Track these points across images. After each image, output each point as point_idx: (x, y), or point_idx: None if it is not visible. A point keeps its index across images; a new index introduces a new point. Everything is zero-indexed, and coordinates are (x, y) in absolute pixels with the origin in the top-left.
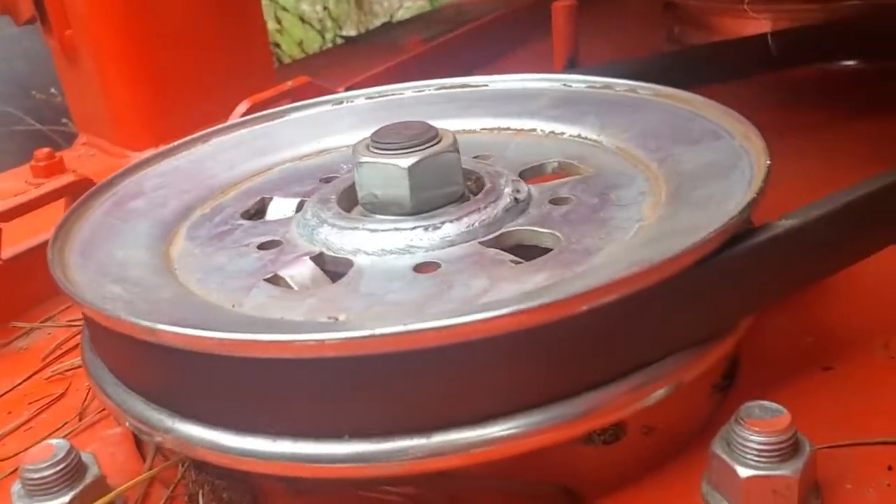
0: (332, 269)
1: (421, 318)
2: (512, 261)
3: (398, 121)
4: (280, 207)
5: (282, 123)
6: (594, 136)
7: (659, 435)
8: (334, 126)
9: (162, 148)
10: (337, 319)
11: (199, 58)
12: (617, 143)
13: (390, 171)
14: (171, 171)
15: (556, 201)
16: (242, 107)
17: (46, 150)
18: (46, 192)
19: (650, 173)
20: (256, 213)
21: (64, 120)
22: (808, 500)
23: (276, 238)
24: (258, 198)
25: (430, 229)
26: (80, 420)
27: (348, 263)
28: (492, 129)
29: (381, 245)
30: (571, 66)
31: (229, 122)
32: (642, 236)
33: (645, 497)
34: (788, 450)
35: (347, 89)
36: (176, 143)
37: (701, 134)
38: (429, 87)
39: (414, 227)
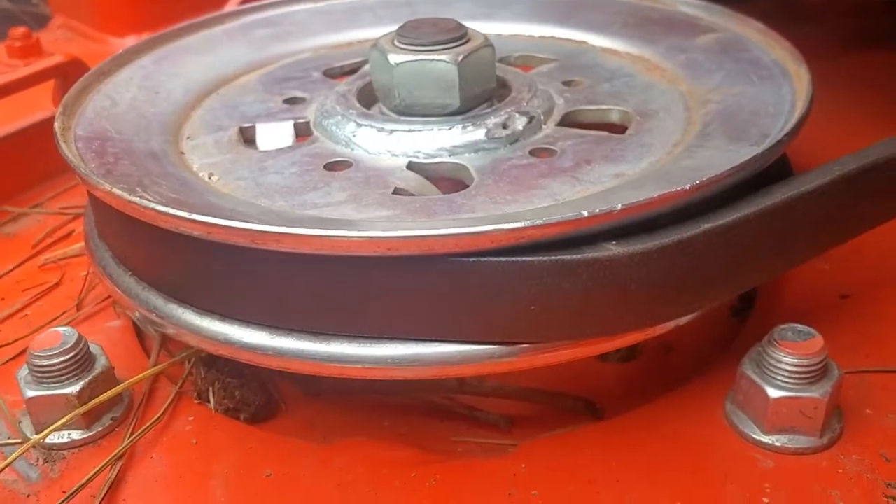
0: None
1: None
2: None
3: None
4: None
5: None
6: None
7: (677, 355)
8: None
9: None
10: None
11: None
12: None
13: (437, 69)
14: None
15: None
16: None
17: (23, 28)
18: (38, 70)
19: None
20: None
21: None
22: (831, 422)
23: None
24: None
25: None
26: (79, 311)
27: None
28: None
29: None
30: None
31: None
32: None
33: (665, 414)
34: (819, 372)
35: None
36: (182, 26)
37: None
38: None
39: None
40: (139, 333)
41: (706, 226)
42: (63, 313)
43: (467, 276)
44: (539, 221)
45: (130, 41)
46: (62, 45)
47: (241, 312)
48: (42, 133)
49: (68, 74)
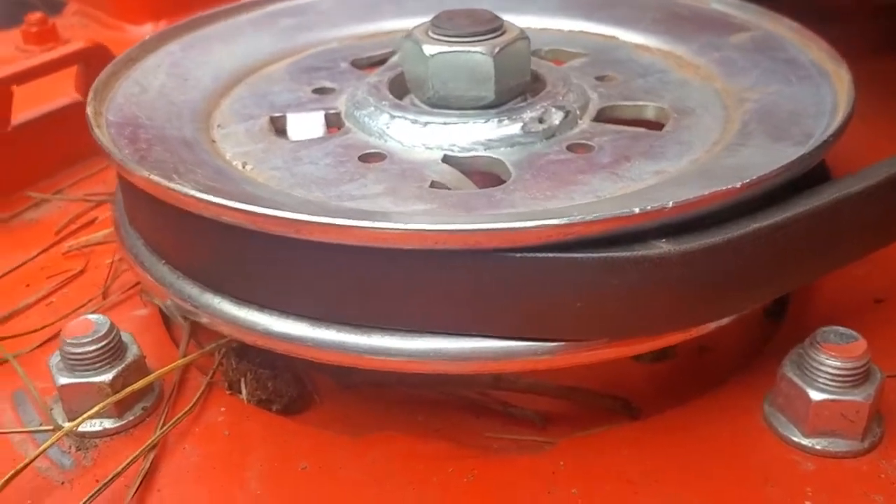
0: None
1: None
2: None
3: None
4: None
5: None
6: None
7: (712, 355)
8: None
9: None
10: None
11: None
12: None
13: (472, 60)
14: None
15: None
16: None
17: (38, 14)
18: (61, 55)
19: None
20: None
21: None
22: (872, 426)
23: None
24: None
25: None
26: (105, 299)
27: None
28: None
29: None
30: None
31: None
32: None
33: (703, 416)
34: (861, 376)
35: None
36: (207, 14)
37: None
38: None
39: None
40: (167, 322)
41: (755, 225)
42: (89, 301)
43: (514, 272)
44: (589, 217)
45: (147, 29)
46: (77, 31)
47: (281, 303)
48: (63, 119)
49: (91, 60)
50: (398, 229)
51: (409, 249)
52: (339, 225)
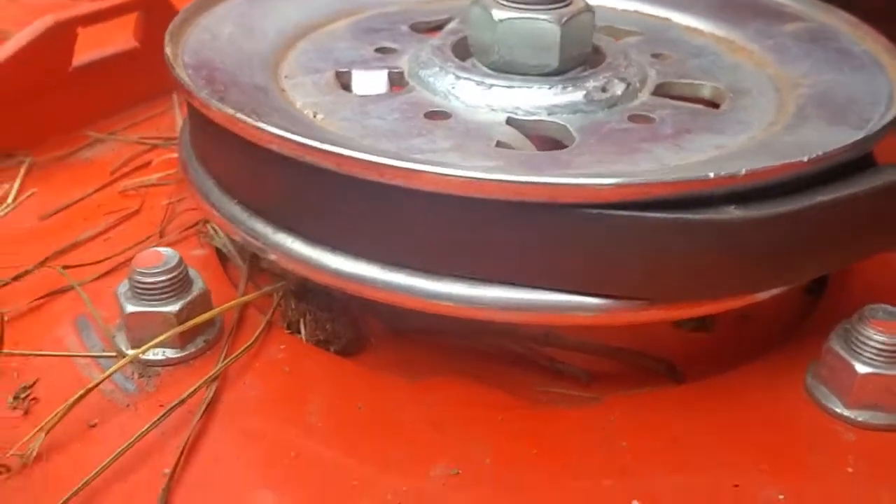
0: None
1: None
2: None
3: None
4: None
5: None
6: None
7: (753, 327)
8: None
9: None
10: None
11: None
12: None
13: (540, 28)
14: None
15: None
16: None
17: None
18: (124, 1)
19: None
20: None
21: None
22: None
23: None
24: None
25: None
26: (161, 237)
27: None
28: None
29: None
30: None
31: None
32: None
33: (745, 384)
34: None
35: None
36: None
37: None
38: None
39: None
40: (223, 263)
41: (820, 198)
42: (146, 238)
43: (587, 228)
44: (668, 178)
45: None
46: None
47: (353, 245)
48: (121, 64)
49: (151, 8)
50: (480, 178)
51: (483, 199)
52: (423, 171)
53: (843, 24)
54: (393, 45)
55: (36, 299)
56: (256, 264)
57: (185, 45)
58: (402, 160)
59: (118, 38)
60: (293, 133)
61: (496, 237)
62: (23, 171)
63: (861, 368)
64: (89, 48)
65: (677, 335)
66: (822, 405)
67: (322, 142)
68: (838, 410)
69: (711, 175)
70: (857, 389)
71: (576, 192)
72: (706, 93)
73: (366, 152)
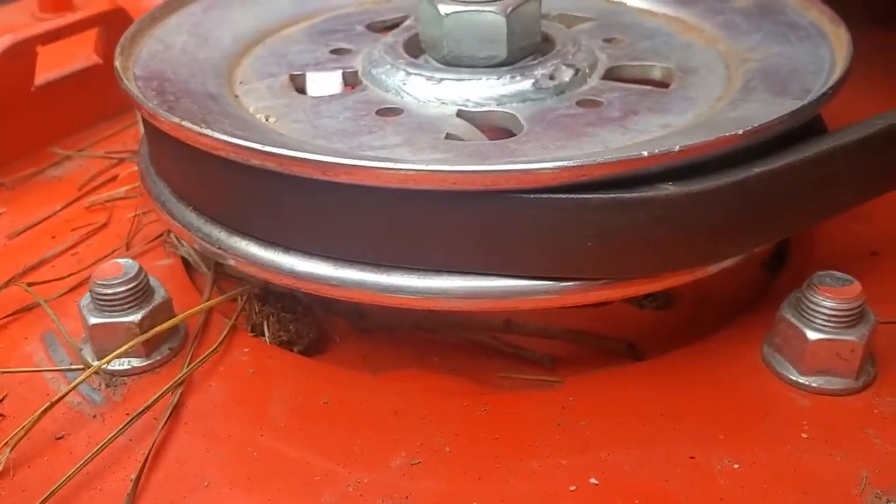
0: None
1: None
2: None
3: None
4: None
5: None
6: None
7: (712, 306)
8: None
9: None
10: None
11: None
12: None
13: (485, 20)
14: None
15: None
16: None
17: None
18: (84, 17)
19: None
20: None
21: None
22: (866, 366)
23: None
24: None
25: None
26: (128, 250)
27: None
28: None
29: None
30: None
31: None
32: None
33: (704, 356)
34: (856, 317)
35: None
36: None
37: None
38: None
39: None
40: (189, 272)
41: (757, 170)
42: (113, 251)
43: (528, 212)
44: (601, 159)
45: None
46: (92, 1)
47: (306, 244)
48: (84, 81)
49: (111, 23)
50: (418, 170)
51: (427, 191)
52: (363, 166)
53: None
54: (348, 46)
55: (3, 317)
56: (221, 271)
57: (137, 57)
58: (343, 157)
59: (80, 54)
60: (236, 137)
61: (442, 228)
62: None
63: (812, 335)
64: (51, 66)
65: (639, 316)
66: (777, 373)
67: (265, 144)
68: (793, 378)
69: (645, 154)
70: (810, 356)
71: (514, 178)
72: (657, 74)
73: (309, 152)
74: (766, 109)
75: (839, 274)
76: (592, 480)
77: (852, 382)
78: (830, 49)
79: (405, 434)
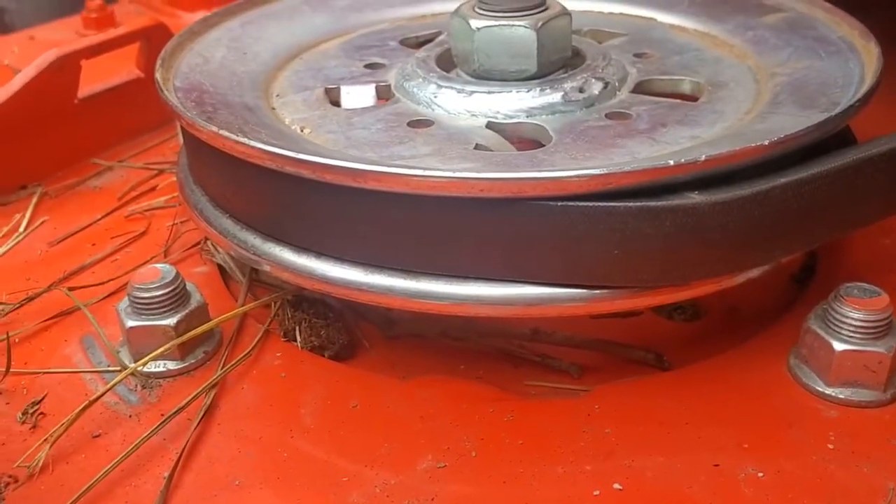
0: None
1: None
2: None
3: None
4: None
5: None
6: None
7: (741, 317)
8: None
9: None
10: None
11: None
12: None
13: (516, 34)
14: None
15: None
16: None
17: (98, 1)
18: (126, 32)
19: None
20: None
21: None
22: (892, 379)
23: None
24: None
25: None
26: (166, 257)
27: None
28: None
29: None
30: None
31: None
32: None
33: (730, 367)
34: (884, 328)
35: None
36: None
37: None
38: None
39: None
40: (225, 279)
41: (782, 180)
42: (151, 258)
43: (555, 220)
44: (628, 168)
45: (199, 16)
46: (134, 18)
47: (337, 250)
48: (126, 94)
49: (152, 38)
50: (446, 178)
51: (455, 198)
52: (392, 173)
53: (821, 12)
54: (382, 61)
55: (44, 320)
56: (256, 278)
57: (177, 70)
58: (375, 164)
59: (122, 69)
60: (273, 146)
61: (470, 235)
62: (34, 201)
63: (838, 346)
64: (95, 80)
65: (668, 327)
66: (803, 384)
67: (300, 152)
68: (819, 388)
69: (671, 163)
70: (836, 367)
71: (541, 185)
72: (686, 88)
73: (342, 160)
74: (794, 122)
75: (866, 285)
76: (616, 486)
77: (880, 394)
78: (860, 63)
79: (432, 438)
